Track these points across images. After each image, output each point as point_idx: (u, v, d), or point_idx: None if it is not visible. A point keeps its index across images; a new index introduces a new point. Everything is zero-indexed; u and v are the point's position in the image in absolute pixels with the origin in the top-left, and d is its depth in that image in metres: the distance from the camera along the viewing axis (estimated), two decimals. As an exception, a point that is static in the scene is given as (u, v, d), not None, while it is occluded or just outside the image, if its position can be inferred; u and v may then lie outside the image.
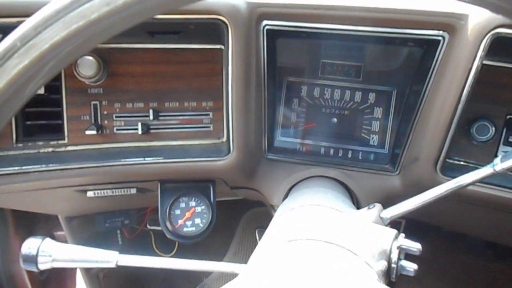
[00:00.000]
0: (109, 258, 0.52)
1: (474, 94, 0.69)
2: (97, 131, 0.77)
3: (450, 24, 0.64)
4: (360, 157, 0.88)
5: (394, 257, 0.52)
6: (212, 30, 0.68)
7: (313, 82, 0.88)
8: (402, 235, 0.55)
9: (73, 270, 1.39)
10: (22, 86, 0.30)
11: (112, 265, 0.52)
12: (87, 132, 0.76)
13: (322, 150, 0.89)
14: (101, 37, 0.31)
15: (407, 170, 0.81)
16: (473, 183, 0.55)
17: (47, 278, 1.28)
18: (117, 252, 0.53)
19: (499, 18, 0.59)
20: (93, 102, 0.78)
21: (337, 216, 0.58)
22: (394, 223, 1.63)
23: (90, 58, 0.74)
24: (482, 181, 0.72)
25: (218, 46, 0.75)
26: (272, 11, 0.66)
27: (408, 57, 0.79)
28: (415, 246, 0.52)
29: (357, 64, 0.86)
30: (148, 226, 1.31)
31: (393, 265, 0.53)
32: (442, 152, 0.72)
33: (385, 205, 0.66)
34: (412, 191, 0.84)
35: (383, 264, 0.51)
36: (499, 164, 0.52)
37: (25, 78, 0.30)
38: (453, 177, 0.59)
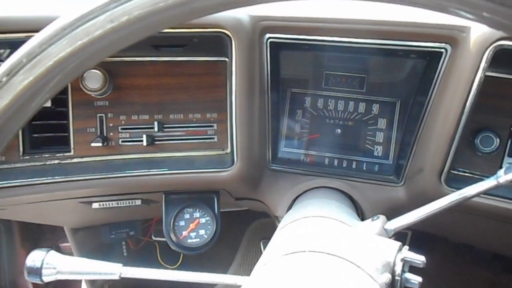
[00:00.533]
0: (112, 270, 0.52)
1: (478, 105, 0.69)
2: (103, 143, 0.78)
3: (452, 36, 0.64)
4: (364, 168, 0.88)
5: (398, 269, 0.52)
6: (216, 43, 0.69)
7: (317, 93, 0.88)
8: (406, 247, 0.55)
9: (78, 282, 1.39)
10: (27, 101, 0.31)
11: (116, 277, 0.52)
12: (93, 144, 0.77)
13: (326, 161, 0.89)
14: (105, 53, 0.32)
15: (411, 181, 0.81)
16: (477, 195, 0.55)
17: (52, 288, 1.29)
18: (120, 265, 0.53)
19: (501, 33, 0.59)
20: (99, 115, 0.79)
21: (341, 228, 0.58)
22: (400, 234, 1.62)
23: (96, 71, 0.75)
24: (487, 192, 0.72)
25: (222, 59, 0.76)
26: (275, 24, 0.67)
27: (411, 69, 0.79)
28: (419, 259, 0.52)
29: (360, 75, 0.86)
30: (153, 237, 1.31)
31: (397, 278, 0.52)
32: (446, 163, 0.71)
33: (390, 216, 0.66)
34: (417, 202, 0.84)
35: (386, 277, 0.50)
36: (503, 176, 0.51)
37: (30, 93, 0.30)
38: (458, 189, 0.59)
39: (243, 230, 1.57)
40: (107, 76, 0.76)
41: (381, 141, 0.88)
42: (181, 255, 1.35)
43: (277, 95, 0.85)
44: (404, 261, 0.53)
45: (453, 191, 0.59)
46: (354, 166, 0.89)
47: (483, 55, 0.61)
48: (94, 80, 0.75)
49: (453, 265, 1.45)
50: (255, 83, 0.71)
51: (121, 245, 1.27)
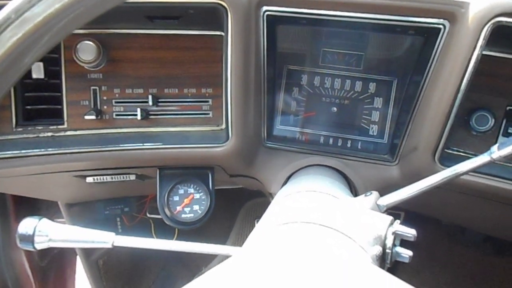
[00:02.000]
0: (105, 238, 0.52)
1: (474, 84, 0.68)
2: (97, 116, 0.77)
3: (451, 11, 0.63)
4: (359, 147, 0.88)
5: (389, 242, 0.52)
6: (211, 15, 0.68)
7: (314, 71, 0.88)
8: (398, 221, 0.55)
9: (73, 258, 1.40)
10: (18, 58, 0.30)
11: (109, 246, 0.52)
12: (86, 117, 0.76)
13: (322, 139, 0.89)
14: (96, 11, 0.31)
15: (405, 160, 0.81)
16: (469, 171, 0.55)
17: (47, 265, 1.30)
18: (113, 233, 0.53)
19: (500, 6, 0.58)
20: (92, 87, 0.79)
21: (334, 202, 0.58)
22: (393, 216, 1.63)
23: (90, 43, 0.74)
24: (480, 171, 0.73)
25: (218, 33, 0.75)
26: (272, -4, 0.66)
27: (409, 46, 0.79)
28: (410, 232, 0.52)
29: (358, 53, 0.85)
30: (148, 215, 1.31)
31: (388, 251, 0.53)
32: (440, 142, 0.72)
33: (383, 195, 0.67)
34: (411, 181, 0.84)
35: (377, 249, 0.51)
36: (496, 152, 0.52)
37: (20, 50, 0.30)
38: (451, 167, 0.59)
39: (238, 209, 1.58)
40: (100, 48, 0.75)
41: (376, 120, 0.87)
42: (176, 233, 1.36)
43: (273, 72, 0.84)
44: (395, 234, 0.53)
45: None
46: (349, 144, 0.89)
47: (481, 32, 0.61)
48: (87, 52, 0.74)
49: (445, 247, 1.47)
50: (251, 58, 0.71)
51: (115, 221, 1.28)
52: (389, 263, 0.54)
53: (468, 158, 0.77)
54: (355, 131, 0.88)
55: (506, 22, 0.59)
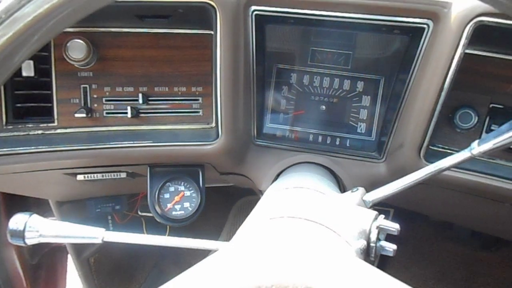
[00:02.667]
0: (95, 234, 0.53)
1: (458, 82, 0.70)
2: (87, 114, 0.78)
3: (434, 11, 0.65)
4: (347, 144, 0.90)
5: (373, 236, 0.54)
6: (201, 14, 0.69)
7: (303, 70, 0.89)
8: (382, 216, 0.56)
9: (64, 255, 1.40)
10: (7, 57, 0.31)
11: (99, 241, 0.53)
12: (77, 115, 0.76)
13: (311, 137, 0.91)
14: (85, 10, 0.32)
15: (392, 157, 0.83)
16: (451, 167, 0.57)
17: (38, 263, 1.29)
18: (103, 229, 0.54)
19: (481, 6, 0.60)
20: (82, 86, 0.79)
21: (320, 197, 0.59)
22: (382, 212, 1.65)
23: (80, 41, 0.75)
24: (462, 167, 0.75)
25: (207, 32, 0.76)
26: (260, -4, 0.67)
27: (394, 46, 0.80)
28: (394, 226, 0.54)
29: (346, 52, 0.87)
30: (139, 213, 1.32)
31: (372, 245, 0.54)
32: (425, 139, 0.73)
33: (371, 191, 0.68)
34: (397, 177, 0.85)
35: (362, 243, 0.52)
36: (476, 148, 0.53)
37: (10, 49, 0.30)
38: (436, 164, 0.61)
39: (229, 207, 1.59)
40: (91, 46, 0.75)
41: (364, 118, 0.89)
42: (167, 231, 1.37)
43: (263, 70, 0.86)
44: (379, 229, 0.55)
45: None
46: (338, 142, 0.90)
47: (463, 31, 0.62)
48: (77, 50, 0.74)
49: (433, 243, 1.49)
50: (239, 57, 0.72)
51: (107, 219, 1.28)
52: (373, 256, 0.55)
53: (453, 154, 0.80)
54: (344, 129, 0.90)
55: (488, 21, 0.61)
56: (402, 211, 1.51)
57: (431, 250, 1.47)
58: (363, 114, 0.89)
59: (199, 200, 0.86)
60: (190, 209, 0.86)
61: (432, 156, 0.77)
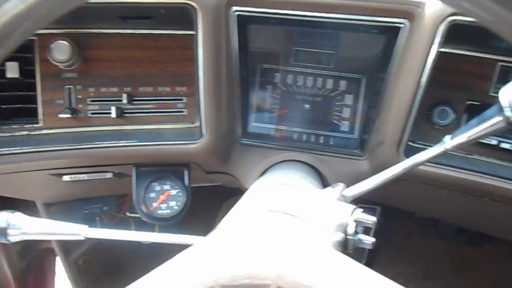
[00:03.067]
0: (77, 230, 0.54)
1: (435, 80, 0.72)
2: (72, 114, 0.78)
3: (409, 11, 0.67)
4: (331, 143, 0.91)
5: (351, 229, 0.55)
6: (183, 15, 0.70)
7: (287, 69, 0.90)
8: (360, 210, 0.58)
9: (53, 258, 1.40)
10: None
11: (81, 238, 0.54)
12: (61, 116, 0.77)
13: (295, 136, 0.92)
14: (58, 11, 0.33)
15: (374, 154, 0.85)
16: (426, 161, 0.59)
17: (26, 265, 1.29)
18: (86, 226, 0.55)
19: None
20: (67, 86, 0.80)
21: (300, 193, 0.61)
22: (369, 211, 1.67)
23: (64, 42, 0.75)
24: (440, 162, 0.77)
25: (190, 32, 0.77)
26: (240, -4, 0.68)
27: (373, 45, 0.82)
28: (370, 219, 0.55)
29: (328, 52, 0.88)
30: (128, 214, 1.32)
31: (350, 237, 0.56)
32: (404, 135, 0.75)
33: (353, 188, 0.69)
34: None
35: (339, 236, 0.54)
36: (448, 142, 0.55)
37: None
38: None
39: (219, 207, 1.60)
40: (75, 47, 0.76)
41: (347, 116, 0.91)
42: (156, 231, 1.37)
43: (247, 70, 0.87)
44: (357, 222, 0.56)
45: None
46: (322, 140, 0.92)
47: (437, 30, 0.64)
48: (61, 52, 0.75)
49: (419, 239, 1.51)
50: (222, 57, 0.73)
51: (95, 221, 1.28)
52: (351, 249, 0.57)
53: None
54: (328, 127, 0.91)
55: (460, 20, 0.63)
56: (389, 209, 1.54)
57: (418, 247, 1.50)
58: (346, 112, 0.91)
59: (185, 199, 0.87)
60: (176, 208, 0.87)
61: (411, 152, 0.78)
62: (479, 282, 1.41)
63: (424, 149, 0.81)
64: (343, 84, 0.90)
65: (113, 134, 0.81)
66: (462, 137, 0.53)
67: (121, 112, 0.81)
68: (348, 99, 0.90)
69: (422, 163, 0.59)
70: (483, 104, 0.78)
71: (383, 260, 1.50)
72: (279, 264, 0.36)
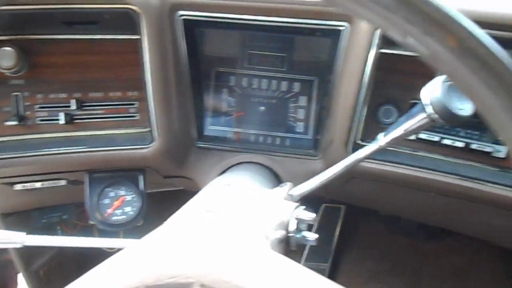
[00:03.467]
0: (14, 239, 0.53)
1: (380, 80, 0.75)
2: (19, 122, 0.77)
3: (347, 14, 0.69)
4: (287, 143, 0.93)
5: (292, 227, 0.57)
6: (127, 20, 0.70)
7: (241, 72, 0.91)
8: (302, 207, 0.59)
9: (15, 269, 1.36)
10: None
11: (19, 246, 0.53)
12: (8, 123, 0.76)
13: (252, 138, 0.93)
14: None
15: (326, 153, 0.87)
16: (364, 158, 0.61)
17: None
18: (24, 233, 0.54)
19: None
20: (14, 93, 0.78)
21: (245, 193, 0.62)
22: (334, 210, 1.70)
23: (9, 49, 0.74)
24: (386, 159, 0.79)
25: (135, 37, 0.77)
26: (184, 1, 0.69)
27: (320, 47, 0.84)
28: (309, 216, 0.57)
29: (280, 54, 0.90)
30: (90, 221, 1.30)
31: (291, 235, 0.57)
32: (351, 135, 0.77)
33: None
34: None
35: (280, 233, 0.55)
36: (382, 139, 0.57)
37: None
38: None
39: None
40: (21, 54, 0.75)
41: (302, 117, 0.92)
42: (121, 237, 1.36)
43: (199, 74, 0.88)
44: (298, 219, 0.58)
45: None
46: (278, 142, 0.93)
47: (374, 31, 0.67)
48: (6, 58, 0.74)
49: (384, 236, 1.55)
50: (168, 61, 0.73)
51: (55, 230, 1.26)
52: (294, 246, 0.58)
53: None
54: (283, 128, 0.93)
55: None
56: (354, 208, 1.57)
57: (383, 244, 1.53)
58: (301, 113, 0.92)
59: (140, 204, 0.87)
60: (132, 213, 0.86)
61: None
62: (442, 274, 1.45)
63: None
64: (296, 86, 0.92)
65: (63, 141, 0.80)
66: (393, 134, 0.55)
67: (70, 118, 0.80)
68: (302, 100, 0.92)
69: (361, 160, 0.61)
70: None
71: (349, 257, 1.53)
72: (203, 262, 0.37)
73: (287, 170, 0.90)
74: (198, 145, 0.91)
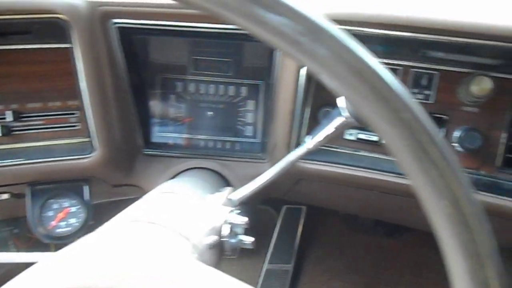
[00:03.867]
0: None
1: (319, 83, 0.76)
2: (-49, 135, 0.75)
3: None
4: (236, 148, 0.94)
5: (225, 232, 0.57)
6: (58, 29, 0.69)
7: (188, 78, 0.92)
8: (235, 212, 0.60)
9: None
10: None
11: None
12: None
13: (202, 143, 0.93)
14: None
15: (272, 156, 0.88)
16: (296, 160, 0.62)
17: None
18: None
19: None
20: None
21: (179, 201, 0.62)
22: (295, 211, 1.71)
23: None
24: (327, 160, 0.81)
25: (68, 45, 0.76)
26: (115, 10, 0.69)
27: (260, 52, 0.86)
28: (242, 220, 0.57)
29: (225, 60, 0.91)
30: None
31: (225, 240, 0.57)
32: (292, 137, 0.78)
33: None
34: (283, 177, 0.91)
35: (212, 239, 0.55)
36: (309, 142, 0.59)
37: None
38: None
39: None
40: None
41: (251, 121, 0.93)
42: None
43: (143, 81, 0.87)
44: (231, 224, 0.58)
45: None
46: (228, 146, 0.94)
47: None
48: None
49: (344, 235, 1.58)
50: (104, 69, 0.72)
51: (7, 245, 1.22)
52: (230, 250, 0.59)
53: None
54: (233, 133, 0.93)
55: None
56: (315, 208, 1.59)
57: (343, 242, 1.56)
58: (249, 117, 0.93)
59: (85, 215, 0.85)
60: (77, 224, 0.85)
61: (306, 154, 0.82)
62: (401, 269, 1.49)
63: (315, 150, 0.86)
64: (244, 90, 0.92)
65: (1, 154, 0.78)
66: (318, 137, 0.56)
67: (8, 130, 0.78)
68: (250, 104, 0.93)
69: (293, 162, 0.62)
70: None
71: (312, 257, 1.55)
72: (118, 274, 0.37)
73: (236, 174, 0.91)
74: (145, 152, 0.90)
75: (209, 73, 0.91)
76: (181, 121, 0.94)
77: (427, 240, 1.50)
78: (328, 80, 0.27)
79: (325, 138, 0.56)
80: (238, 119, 0.93)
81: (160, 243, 0.47)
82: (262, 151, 0.91)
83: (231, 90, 0.92)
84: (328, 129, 0.55)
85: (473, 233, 0.29)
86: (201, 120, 0.93)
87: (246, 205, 0.69)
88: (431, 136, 0.29)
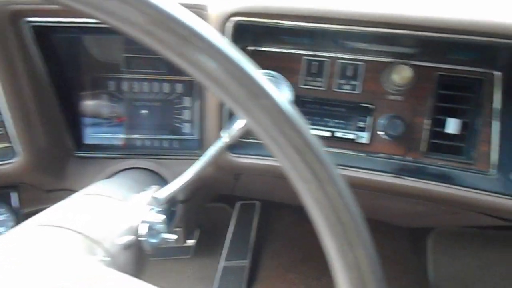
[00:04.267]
0: None
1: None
2: None
3: (196, 13, 0.69)
4: (174, 146, 0.92)
5: (142, 231, 0.56)
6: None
7: (120, 77, 0.89)
8: (153, 211, 0.59)
9: None
10: None
11: None
12: None
13: (138, 143, 0.91)
14: None
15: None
16: (216, 155, 0.62)
17: None
18: None
19: (232, 7, 0.65)
20: None
21: (97, 202, 0.60)
22: (250, 206, 1.71)
23: None
24: (248, 152, 0.81)
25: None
26: (27, 8, 0.66)
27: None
28: (159, 219, 0.57)
29: (157, 56, 0.88)
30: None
31: (143, 239, 0.56)
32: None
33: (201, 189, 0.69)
34: (221, 173, 0.90)
35: (127, 239, 0.54)
36: (225, 136, 0.58)
37: None
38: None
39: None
40: None
41: (187, 118, 0.92)
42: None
43: (69, 81, 0.84)
44: (149, 223, 0.57)
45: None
46: (165, 145, 0.92)
47: (224, 29, 0.68)
48: None
49: (298, 227, 1.59)
50: (18, 70, 0.69)
51: None
52: (149, 249, 0.58)
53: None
54: (169, 131, 0.92)
55: (243, 21, 0.67)
56: (269, 202, 1.60)
57: (297, 234, 1.57)
58: (186, 114, 0.92)
59: (14, 224, 0.82)
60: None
61: (238, 148, 0.82)
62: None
63: (250, 143, 0.86)
64: (179, 87, 0.91)
65: None
66: (232, 131, 0.56)
67: None
68: (186, 101, 0.92)
69: (214, 157, 0.62)
70: (296, 96, 0.84)
71: (267, 251, 1.56)
72: (14, 280, 0.35)
73: (173, 172, 0.90)
74: (77, 154, 0.87)
75: (142, 70, 0.89)
76: (115, 121, 0.91)
77: (378, 229, 1.54)
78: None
79: (239, 130, 0.56)
80: (175, 116, 0.92)
81: (64, 248, 0.45)
82: (200, 147, 0.91)
83: (166, 87, 0.91)
84: (241, 122, 0.55)
85: (339, 215, 0.30)
86: (136, 119, 0.91)
87: (193, 204, 0.69)
88: (292, 123, 0.30)
